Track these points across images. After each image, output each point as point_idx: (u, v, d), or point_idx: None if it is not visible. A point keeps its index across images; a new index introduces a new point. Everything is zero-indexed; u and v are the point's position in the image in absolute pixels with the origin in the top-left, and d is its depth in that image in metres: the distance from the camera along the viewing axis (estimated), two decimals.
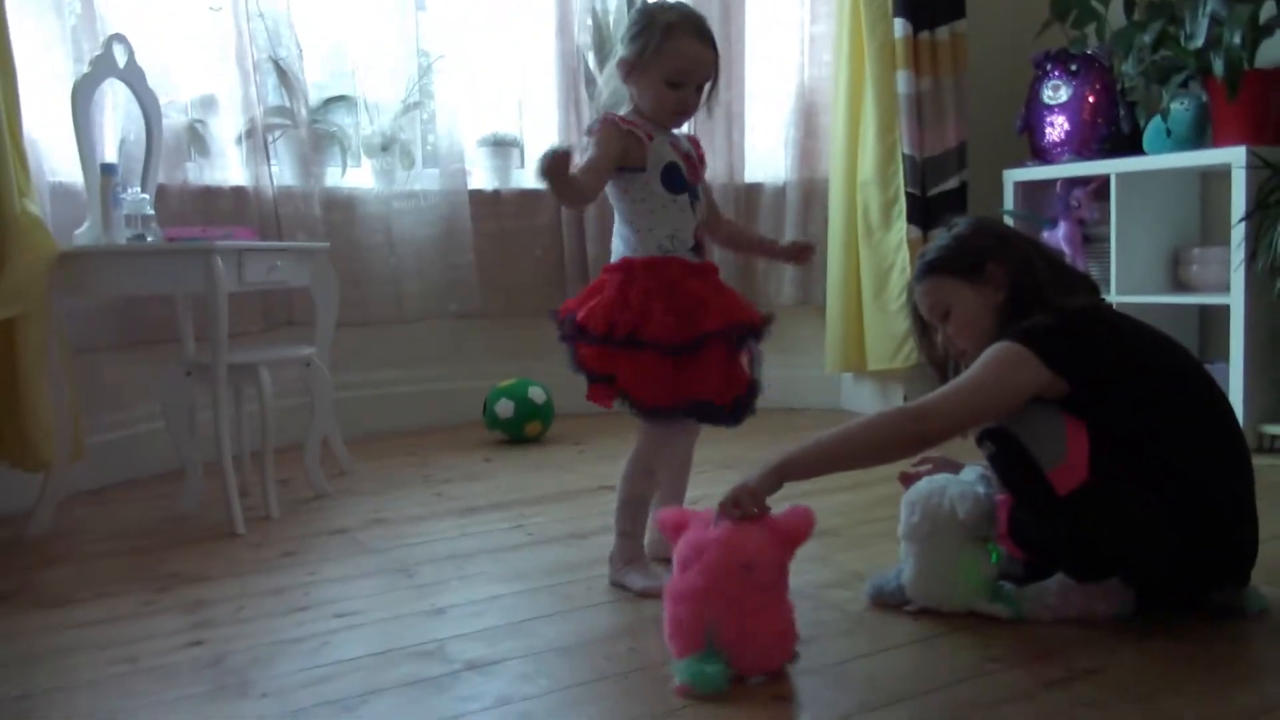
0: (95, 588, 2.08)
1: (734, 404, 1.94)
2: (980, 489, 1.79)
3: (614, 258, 2.00)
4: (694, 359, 1.88)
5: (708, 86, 1.98)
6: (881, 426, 1.76)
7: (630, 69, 1.93)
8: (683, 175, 1.96)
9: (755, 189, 4.13)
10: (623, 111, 1.98)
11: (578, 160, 1.84)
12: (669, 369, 1.87)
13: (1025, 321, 1.77)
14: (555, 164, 1.72)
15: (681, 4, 1.99)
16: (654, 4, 1.97)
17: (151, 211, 2.69)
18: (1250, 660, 1.62)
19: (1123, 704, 1.45)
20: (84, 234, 2.64)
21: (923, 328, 1.98)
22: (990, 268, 1.84)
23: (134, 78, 2.86)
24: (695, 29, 1.92)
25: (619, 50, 1.96)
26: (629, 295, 1.89)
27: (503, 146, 3.97)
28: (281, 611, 1.91)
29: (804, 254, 2.16)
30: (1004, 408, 1.72)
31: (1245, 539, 1.75)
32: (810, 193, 4.07)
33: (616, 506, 2.02)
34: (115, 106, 3.03)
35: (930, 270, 1.90)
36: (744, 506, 1.61)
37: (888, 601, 1.84)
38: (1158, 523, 1.66)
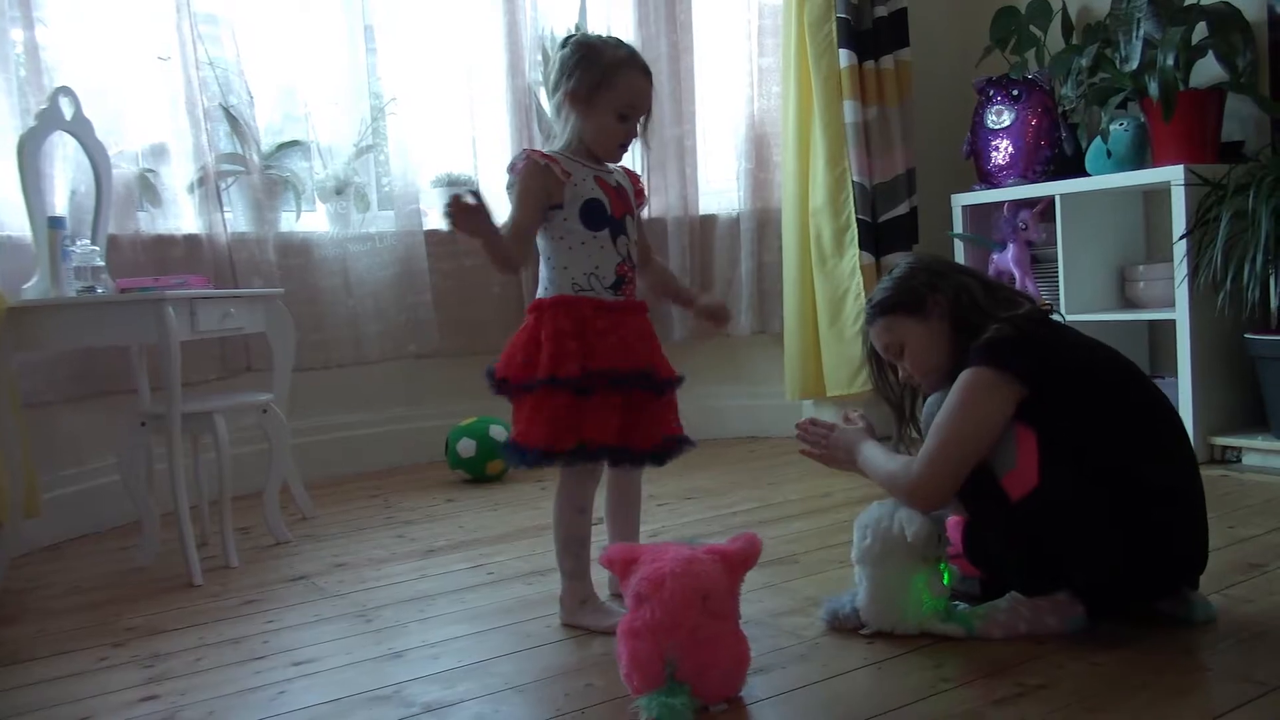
0: (51, 645, 2.06)
1: (642, 447, 1.97)
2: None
3: (536, 295, 2.02)
4: (589, 400, 1.88)
5: (644, 118, 2.01)
6: (890, 483, 1.87)
7: (581, 102, 1.96)
8: (605, 211, 1.96)
9: (710, 220, 4.17)
10: (555, 146, 2.00)
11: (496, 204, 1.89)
12: (561, 408, 1.87)
13: (982, 336, 1.81)
14: (465, 216, 1.78)
15: (617, 38, 2.03)
16: (591, 37, 1.99)
17: (101, 263, 2.69)
18: (1198, 669, 1.64)
19: (1072, 717, 1.47)
20: (32, 288, 2.63)
21: (879, 367, 2.06)
22: (930, 301, 1.93)
23: (81, 129, 2.87)
24: (640, 65, 1.98)
25: (561, 84, 1.97)
26: (539, 336, 1.92)
27: (457, 186, 3.98)
28: (239, 661, 1.90)
29: (719, 317, 2.11)
30: (991, 438, 1.77)
31: (1194, 542, 1.79)
32: (764, 223, 4.12)
33: (556, 550, 2.02)
34: (65, 159, 3.02)
35: (878, 313, 1.99)
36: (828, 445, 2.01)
37: (843, 625, 1.86)
38: (1106, 526, 1.70)
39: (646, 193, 2.16)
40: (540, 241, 1.99)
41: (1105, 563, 1.71)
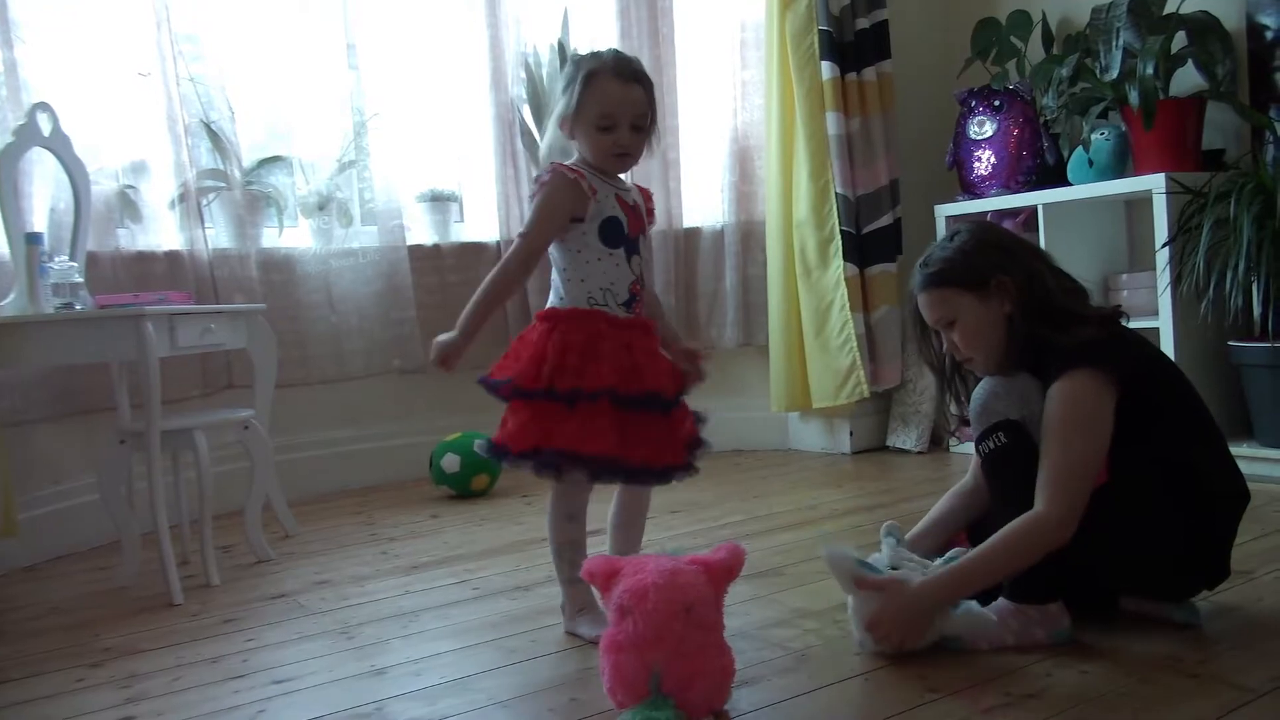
0: (26, 666, 2.03)
1: (639, 465, 1.89)
2: (917, 576, 1.78)
3: (547, 304, 2.00)
4: (580, 412, 1.84)
5: (648, 124, 1.95)
6: (1024, 542, 1.72)
7: (567, 122, 1.94)
8: (623, 230, 1.94)
9: (694, 233, 4.17)
10: (570, 161, 1.97)
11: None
12: (551, 417, 1.85)
13: (1072, 335, 1.76)
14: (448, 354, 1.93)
15: (610, 50, 1.98)
16: (584, 54, 1.98)
17: (80, 279, 2.67)
18: (1186, 676, 1.62)
19: None
20: (9, 304, 2.61)
21: (922, 332, 1.97)
22: (996, 281, 1.81)
23: (59, 145, 2.84)
24: (615, 71, 1.90)
25: (558, 107, 1.96)
26: (545, 349, 1.88)
27: (441, 201, 3.97)
28: (218, 680, 1.87)
29: (693, 365, 2.03)
30: (1108, 443, 1.72)
31: (1228, 550, 1.82)
32: (748, 235, 4.11)
33: (552, 558, 2.01)
34: (44, 175, 3.00)
35: (934, 282, 1.86)
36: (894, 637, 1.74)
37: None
38: (1175, 525, 1.72)
39: (655, 212, 2.12)
40: (555, 252, 1.95)
41: (1157, 563, 1.74)
